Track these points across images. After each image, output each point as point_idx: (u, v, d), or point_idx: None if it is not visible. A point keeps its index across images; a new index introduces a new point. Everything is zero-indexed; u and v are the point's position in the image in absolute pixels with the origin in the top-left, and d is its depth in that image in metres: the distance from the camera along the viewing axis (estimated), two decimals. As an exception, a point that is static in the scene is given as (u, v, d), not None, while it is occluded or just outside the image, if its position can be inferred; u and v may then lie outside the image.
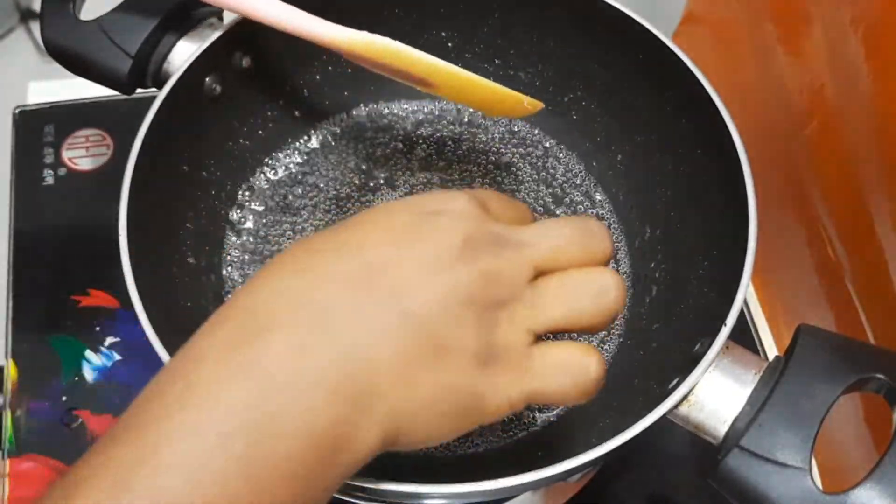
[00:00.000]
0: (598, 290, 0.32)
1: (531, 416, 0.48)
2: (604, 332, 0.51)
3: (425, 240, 0.30)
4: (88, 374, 0.57)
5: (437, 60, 0.43)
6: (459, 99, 0.45)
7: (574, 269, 0.32)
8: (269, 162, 0.56)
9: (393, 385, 0.28)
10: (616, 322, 0.51)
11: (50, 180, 0.65)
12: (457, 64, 0.57)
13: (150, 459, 0.24)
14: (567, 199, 0.56)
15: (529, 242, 0.31)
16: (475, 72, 0.58)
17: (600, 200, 0.56)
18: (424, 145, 0.58)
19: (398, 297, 0.28)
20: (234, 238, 0.53)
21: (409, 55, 0.42)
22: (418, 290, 0.29)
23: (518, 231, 0.32)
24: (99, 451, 0.26)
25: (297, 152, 0.57)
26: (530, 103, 0.46)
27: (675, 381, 0.39)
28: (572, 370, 0.32)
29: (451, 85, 0.44)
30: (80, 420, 0.55)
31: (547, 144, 0.58)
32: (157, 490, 0.24)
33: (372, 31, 0.55)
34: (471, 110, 0.59)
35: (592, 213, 0.55)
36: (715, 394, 0.38)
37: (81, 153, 0.66)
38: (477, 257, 0.30)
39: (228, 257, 0.52)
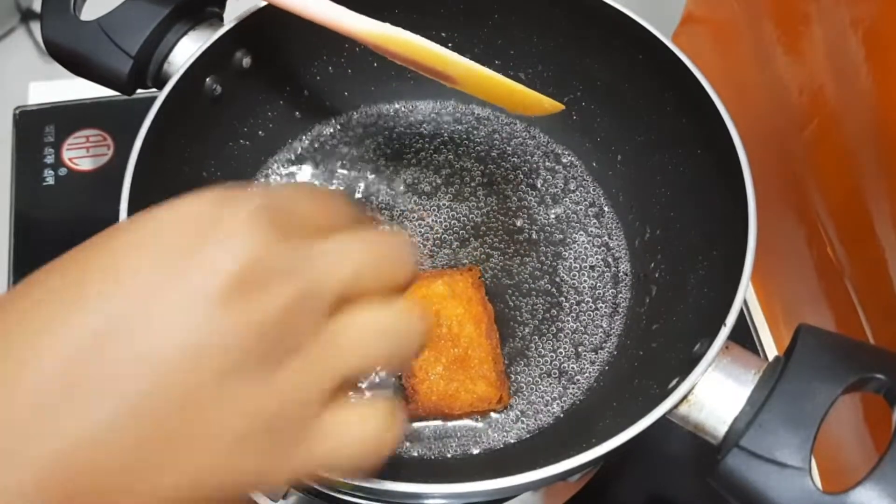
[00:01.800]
0: (404, 331, 0.27)
1: (532, 415, 0.48)
2: (602, 334, 0.51)
3: (187, 273, 0.23)
4: (89, 374, 0.57)
5: (458, 57, 0.43)
6: (480, 94, 0.45)
7: (374, 303, 0.26)
8: (270, 162, 0.56)
9: (125, 487, 0.23)
10: (616, 322, 0.51)
11: (50, 180, 0.65)
12: (457, 64, 0.58)
13: None
14: (567, 199, 0.56)
15: (325, 269, 0.25)
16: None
17: (600, 200, 0.56)
18: (424, 145, 0.58)
19: (134, 370, 0.22)
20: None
21: (431, 51, 0.43)
22: (161, 358, 0.23)
23: (315, 252, 0.25)
24: None
25: (296, 153, 0.57)
26: (550, 104, 0.46)
27: (675, 381, 0.39)
28: (368, 439, 0.26)
29: (471, 81, 0.44)
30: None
31: (547, 144, 0.58)
32: None
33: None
34: (471, 110, 0.59)
35: (593, 211, 0.56)
36: (715, 394, 0.38)
37: (82, 153, 0.66)
38: (253, 297, 0.23)
39: (229, 257, 0.52)
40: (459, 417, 0.48)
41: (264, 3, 0.49)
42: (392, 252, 0.27)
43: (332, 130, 0.58)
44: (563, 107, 0.47)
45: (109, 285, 0.23)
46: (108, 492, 0.22)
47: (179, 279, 0.23)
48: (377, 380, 0.49)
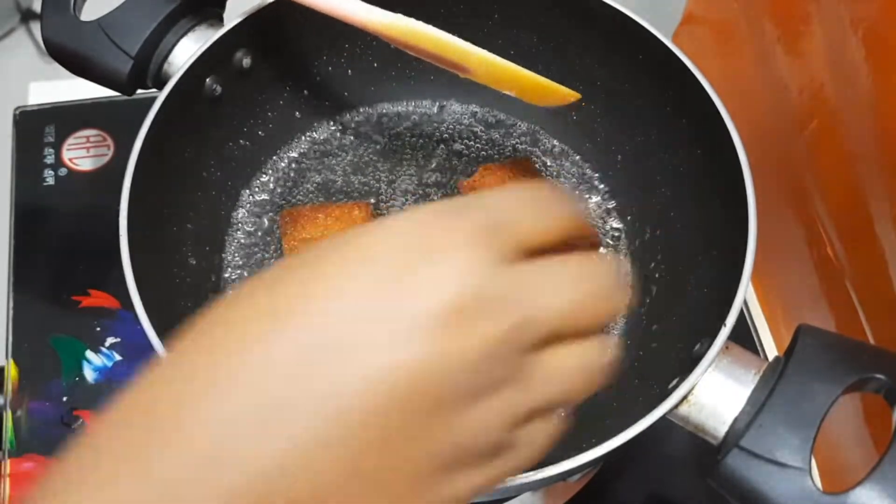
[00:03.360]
0: (594, 368, 0.27)
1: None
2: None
3: (408, 294, 0.22)
4: (89, 375, 0.57)
5: (472, 47, 0.43)
6: (495, 85, 0.45)
7: (579, 339, 0.26)
8: (270, 162, 0.56)
9: None
10: (616, 322, 0.51)
11: (50, 180, 0.65)
12: (457, 64, 0.58)
13: None
14: (567, 199, 0.56)
15: (542, 302, 0.24)
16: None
17: (600, 201, 0.56)
18: (425, 145, 0.58)
19: (352, 389, 0.22)
20: (234, 239, 0.53)
21: (445, 41, 0.43)
22: (380, 380, 0.22)
23: (533, 280, 0.24)
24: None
25: (296, 153, 0.57)
26: (566, 94, 0.46)
27: (675, 382, 0.39)
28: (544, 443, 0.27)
29: (486, 71, 0.44)
30: (81, 420, 0.55)
31: (547, 144, 0.58)
32: None
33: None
34: (471, 110, 0.59)
35: (592, 210, 0.55)
36: (715, 394, 0.38)
37: (82, 153, 0.66)
38: (472, 325, 0.22)
39: (229, 258, 0.53)
40: None
41: (265, 4, 0.49)
42: (604, 286, 0.26)
43: (332, 130, 0.58)
44: (579, 96, 0.46)
45: (327, 301, 0.23)
46: None
47: (400, 299, 0.22)
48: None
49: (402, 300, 0.22)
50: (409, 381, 0.22)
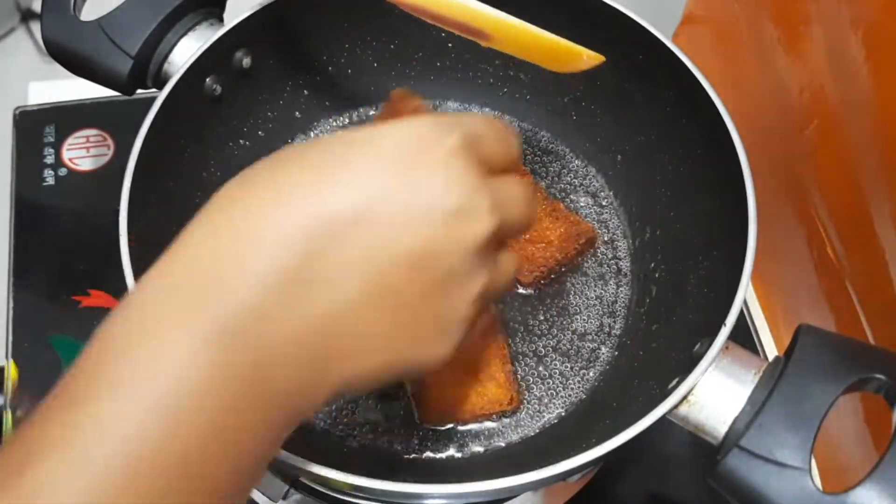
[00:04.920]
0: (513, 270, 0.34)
1: (532, 415, 0.48)
2: (603, 334, 0.51)
3: (421, 185, 0.28)
4: (89, 375, 0.57)
5: (496, 12, 0.42)
6: (517, 52, 0.44)
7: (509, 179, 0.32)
8: (270, 162, 0.56)
9: (353, 353, 0.28)
10: (616, 322, 0.51)
11: (50, 180, 0.65)
12: (457, 65, 0.58)
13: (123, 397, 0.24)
14: (567, 199, 0.56)
15: (510, 210, 0.31)
16: (475, 72, 0.58)
17: (600, 200, 0.56)
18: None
19: (373, 254, 0.27)
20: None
21: (469, 7, 0.42)
22: (404, 250, 0.27)
23: (502, 193, 0.31)
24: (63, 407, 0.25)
25: (297, 152, 0.57)
26: (590, 56, 0.45)
27: (674, 382, 0.39)
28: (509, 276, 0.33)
29: (508, 37, 0.43)
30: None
31: (547, 144, 0.58)
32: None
33: (376, 29, 0.56)
34: (470, 110, 0.59)
35: (592, 210, 0.56)
36: (715, 394, 0.38)
37: (82, 153, 0.66)
38: (471, 221, 0.29)
39: (229, 257, 0.52)
40: (471, 422, 0.48)
41: (265, 3, 0.49)
42: (533, 204, 0.33)
43: (332, 130, 0.58)
44: (603, 58, 0.45)
45: (350, 174, 0.27)
46: (338, 359, 0.27)
47: (416, 193, 0.28)
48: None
49: (418, 194, 0.28)
50: (432, 253, 0.28)
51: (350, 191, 0.27)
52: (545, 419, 0.48)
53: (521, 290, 0.52)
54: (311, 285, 0.26)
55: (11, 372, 0.57)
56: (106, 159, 0.66)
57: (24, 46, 0.76)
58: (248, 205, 0.27)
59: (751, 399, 0.38)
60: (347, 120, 0.58)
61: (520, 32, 0.43)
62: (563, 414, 0.48)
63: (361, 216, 0.27)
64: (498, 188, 0.30)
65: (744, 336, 0.61)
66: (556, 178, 0.57)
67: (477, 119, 0.32)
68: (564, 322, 0.51)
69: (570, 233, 0.52)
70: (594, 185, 0.56)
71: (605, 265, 0.53)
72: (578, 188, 0.56)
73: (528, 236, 0.52)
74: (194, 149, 0.49)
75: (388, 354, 0.29)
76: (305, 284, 0.26)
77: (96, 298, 0.60)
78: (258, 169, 0.29)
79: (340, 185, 0.27)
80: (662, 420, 0.37)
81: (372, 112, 0.59)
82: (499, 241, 0.31)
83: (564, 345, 0.51)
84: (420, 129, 0.29)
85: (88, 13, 0.49)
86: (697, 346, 0.40)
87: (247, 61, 0.51)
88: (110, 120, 0.68)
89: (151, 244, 0.44)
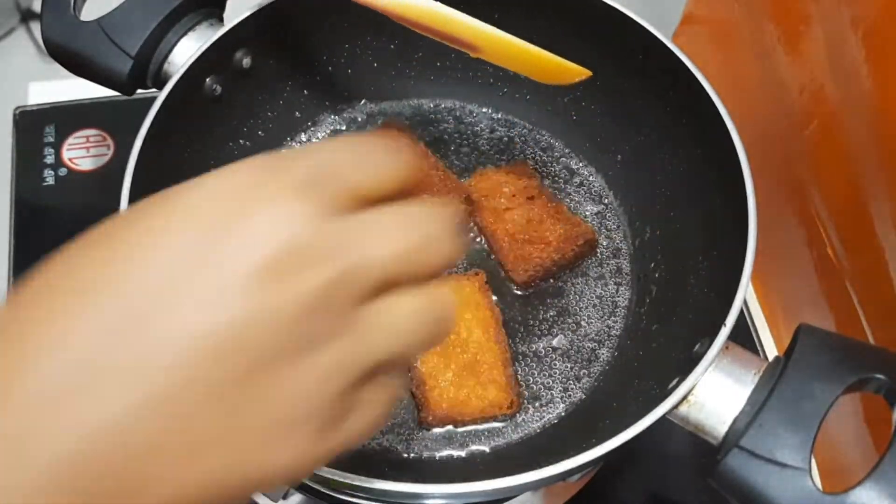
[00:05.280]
0: (440, 318, 0.26)
1: (531, 415, 0.48)
2: (603, 334, 0.51)
3: (224, 250, 0.22)
4: (89, 375, 0.57)
5: (484, 26, 0.43)
6: (506, 64, 0.45)
7: (412, 288, 0.25)
8: (270, 162, 0.56)
9: (145, 482, 0.22)
10: (616, 322, 0.51)
11: (50, 180, 0.65)
12: (457, 65, 0.58)
13: None
14: (567, 199, 0.56)
15: (368, 251, 0.23)
16: (475, 72, 0.58)
17: (600, 200, 0.56)
18: (424, 144, 0.58)
19: (160, 355, 0.21)
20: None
21: (453, 19, 0.43)
22: (192, 341, 0.22)
23: (359, 230, 0.24)
24: None
25: (297, 152, 0.57)
26: (577, 71, 0.46)
27: (674, 382, 0.39)
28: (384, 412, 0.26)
29: (497, 50, 0.44)
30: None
31: (546, 144, 0.58)
32: None
33: (376, 29, 0.56)
34: (470, 109, 0.59)
35: (592, 210, 0.56)
36: (715, 394, 0.38)
37: (82, 153, 0.66)
38: (292, 278, 0.22)
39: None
40: (470, 424, 0.48)
41: (265, 3, 0.49)
42: (439, 233, 0.25)
43: (332, 130, 0.58)
44: (590, 73, 0.46)
45: (138, 264, 0.22)
46: (127, 488, 0.21)
47: (215, 256, 0.22)
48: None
49: (221, 256, 0.22)
50: (228, 338, 0.21)
51: (131, 284, 0.22)
52: (545, 419, 0.48)
53: (517, 291, 0.52)
54: (80, 398, 0.21)
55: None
56: (106, 159, 0.66)
57: (24, 46, 0.76)
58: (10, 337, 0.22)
59: (751, 399, 0.38)
60: (347, 120, 0.58)
61: (506, 45, 0.44)
62: (563, 414, 0.48)
63: (142, 311, 0.22)
64: (364, 221, 0.24)
65: (744, 336, 0.61)
66: (555, 179, 0.57)
67: (343, 144, 0.26)
68: (564, 322, 0.51)
69: (569, 234, 0.52)
70: (594, 185, 0.56)
71: (605, 265, 0.53)
72: (578, 188, 0.56)
73: (526, 236, 0.52)
74: (194, 149, 0.49)
75: (205, 468, 0.22)
76: (74, 398, 0.21)
77: (96, 298, 0.60)
78: (34, 287, 0.23)
79: (120, 280, 0.22)
80: (662, 420, 0.37)
81: (372, 111, 0.59)
82: (386, 284, 0.24)
83: (564, 345, 0.51)
84: (245, 173, 0.24)
85: (88, 13, 0.49)
86: (697, 346, 0.40)
87: (247, 61, 0.51)
88: (110, 120, 0.68)
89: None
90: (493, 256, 0.53)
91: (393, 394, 0.26)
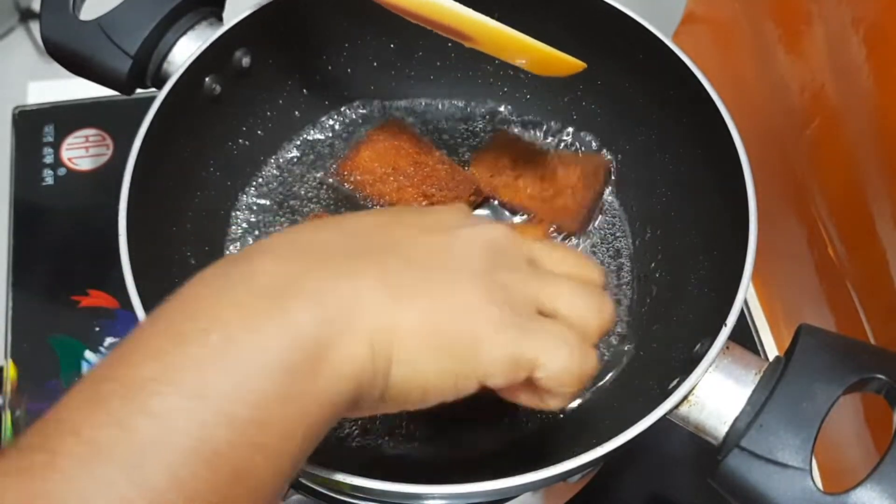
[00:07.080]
0: (599, 311, 0.34)
1: (531, 416, 0.48)
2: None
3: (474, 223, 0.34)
4: (88, 375, 0.57)
5: (475, 14, 0.43)
6: (500, 54, 0.45)
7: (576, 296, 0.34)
8: (269, 162, 0.56)
9: (379, 303, 0.29)
10: (616, 323, 0.51)
11: (50, 180, 0.65)
12: (457, 65, 0.58)
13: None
14: (567, 199, 0.56)
15: (548, 285, 0.33)
16: (475, 71, 0.58)
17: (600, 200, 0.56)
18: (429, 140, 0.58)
19: (400, 237, 0.32)
20: (234, 238, 0.53)
21: (447, 8, 0.42)
22: (483, 238, 0.33)
23: (545, 273, 0.34)
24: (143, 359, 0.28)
25: (297, 152, 0.57)
26: (572, 63, 0.46)
27: (675, 382, 0.39)
28: (574, 354, 0.31)
29: (490, 40, 0.44)
30: (80, 420, 0.55)
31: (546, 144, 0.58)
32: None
33: (376, 28, 0.56)
34: (470, 108, 0.59)
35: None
36: (715, 394, 0.38)
37: (81, 153, 0.66)
38: (502, 265, 0.32)
39: (228, 257, 0.52)
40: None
41: (264, 3, 0.49)
42: (595, 306, 0.34)
43: (332, 130, 0.58)
44: (584, 65, 0.46)
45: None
46: (360, 308, 0.29)
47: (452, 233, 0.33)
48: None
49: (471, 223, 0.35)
50: (493, 240, 0.33)
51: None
52: (545, 419, 0.48)
53: (573, 241, 0.53)
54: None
55: (10, 372, 0.57)
56: (105, 159, 0.66)
57: (24, 46, 0.76)
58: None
59: (751, 399, 0.38)
60: (347, 119, 0.58)
61: (498, 34, 0.44)
62: (562, 414, 0.48)
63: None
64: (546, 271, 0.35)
65: (744, 336, 0.61)
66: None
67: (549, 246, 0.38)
68: (564, 322, 0.51)
69: (587, 170, 0.54)
70: (594, 185, 0.56)
71: (605, 265, 0.53)
72: (578, 188, 0.56)
73: (550, 191, 0.53)
74: (194, 149, 0.49)
75: (499, 344, 0.30)
76: None
77: (95, 298, 0.60)
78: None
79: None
80: (662, 420, 0.37)
81: (372, 110, 0.59)
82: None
83: (564, 345, 0.50)
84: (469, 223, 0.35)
85: (87, 12, 0.49)
86: (698, 346, 0.40)
87: (246, 61, 0.51)
88: (109, 120, 0.68)
89: (151, 244, 0.44)
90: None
91: (567, 342, 0.32)
